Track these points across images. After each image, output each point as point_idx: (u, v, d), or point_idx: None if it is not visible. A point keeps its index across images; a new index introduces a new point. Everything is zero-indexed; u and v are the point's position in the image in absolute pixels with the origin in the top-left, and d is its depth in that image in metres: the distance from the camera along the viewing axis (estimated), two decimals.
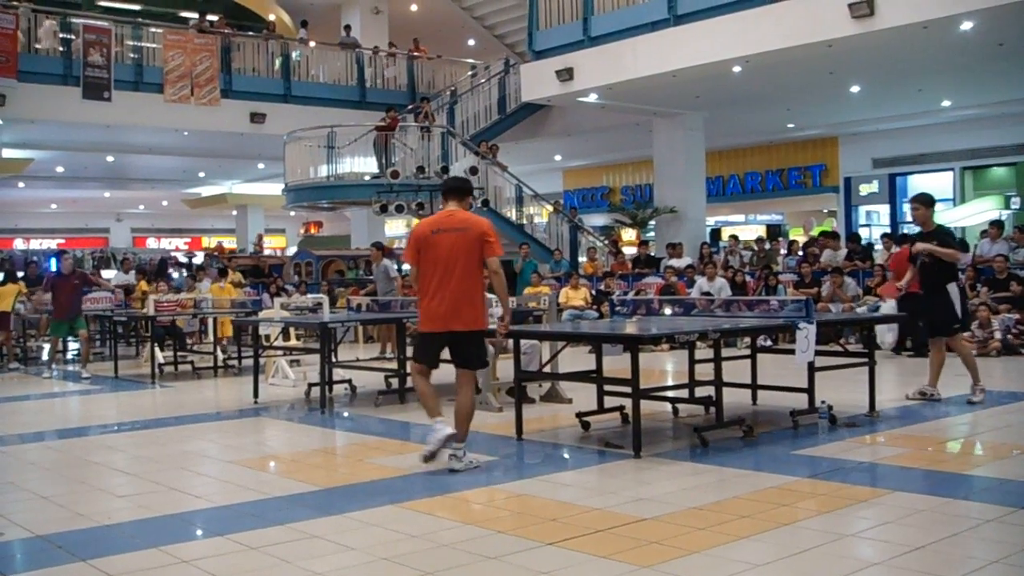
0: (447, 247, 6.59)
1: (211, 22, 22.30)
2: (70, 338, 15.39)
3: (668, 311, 9.32)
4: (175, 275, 23.23)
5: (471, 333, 6.65)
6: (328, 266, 23.05)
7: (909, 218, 23.78)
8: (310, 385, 10.79)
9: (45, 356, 16.48)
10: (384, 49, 24.27)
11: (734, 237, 21.31)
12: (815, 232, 22.41)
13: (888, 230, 22.75)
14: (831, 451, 7.02)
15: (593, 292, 17.87)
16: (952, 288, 8.95)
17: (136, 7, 28.20)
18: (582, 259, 21.12)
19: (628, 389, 7.03)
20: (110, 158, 25.85)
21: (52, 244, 37.85)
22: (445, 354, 6.87)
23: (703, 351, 10.17)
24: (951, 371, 9.54)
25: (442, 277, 6.59)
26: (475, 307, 6.62)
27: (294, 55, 23.02)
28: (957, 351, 9.12)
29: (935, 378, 9.19)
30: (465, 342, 6.67)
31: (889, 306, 13.96)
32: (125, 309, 16.72)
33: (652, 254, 21.07)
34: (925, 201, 9.24)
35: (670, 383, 11.22)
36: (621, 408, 8.22)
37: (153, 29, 21.18)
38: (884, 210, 25.00)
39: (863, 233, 22.65)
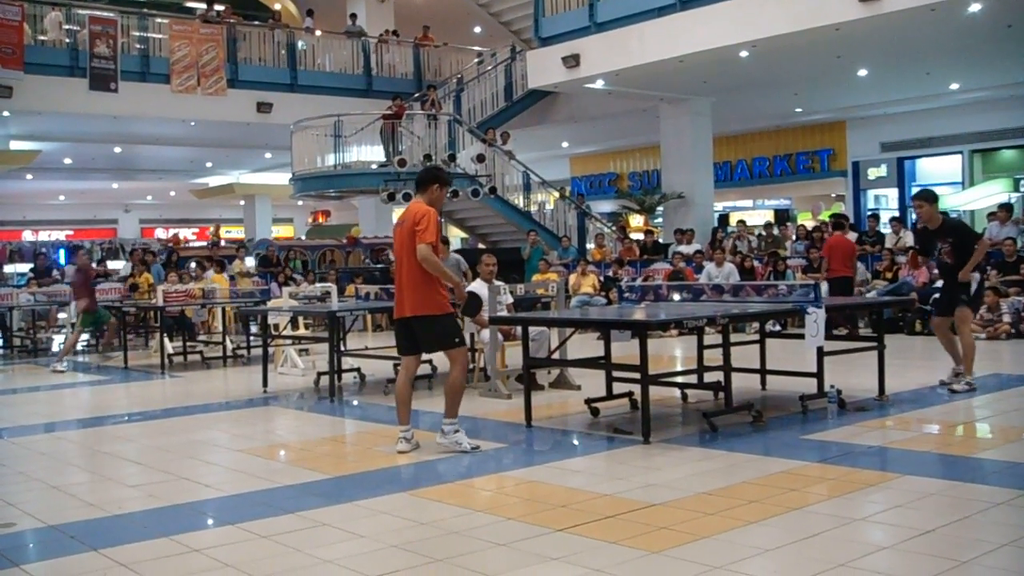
0: (397, 240, 6.94)
1: (217, 12, 22.27)
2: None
3: (676, 297, 9.31)
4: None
5: (419, 318, 6.78)
6: (289, 256, 22.75)
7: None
8: (319, 374, 10.80)
9: (56, 348, 16.59)
10: (386, 36, 24.17)
11: (742, 222, 21.27)
12: (824, 216, 22.34)
13: (897, 214, 22.68)
14: (840, 435, 7.02)
15: (601, 278, 17.86)
16: (975, 275, 8.86)
17: None
18: (590, 246, 21.10)
19: (637, 375, 7.03)
20: (117, 149, 25.88)
21: (61, 236, 37.97)
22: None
23: (712, 337, 10.15)
24: (948, 361, 9.46)
25: (397, 268, 6.95)
26: (419, 293, 6.74)
27: (300, 44, 22.99)
28: (960, 335, 8.85)
29: (956, 356, 9.12)
30: (417, 327, 6.82)
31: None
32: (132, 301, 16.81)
33: (660, 240, 21.05)
34: (928, 198, 8.96)
35: (679, 369, 11.22)
36: (630, 394, 8.22)
37: (159, 19, 21.16)
38: (893, 194, 24.94)
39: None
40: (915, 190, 24.16)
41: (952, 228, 8.97)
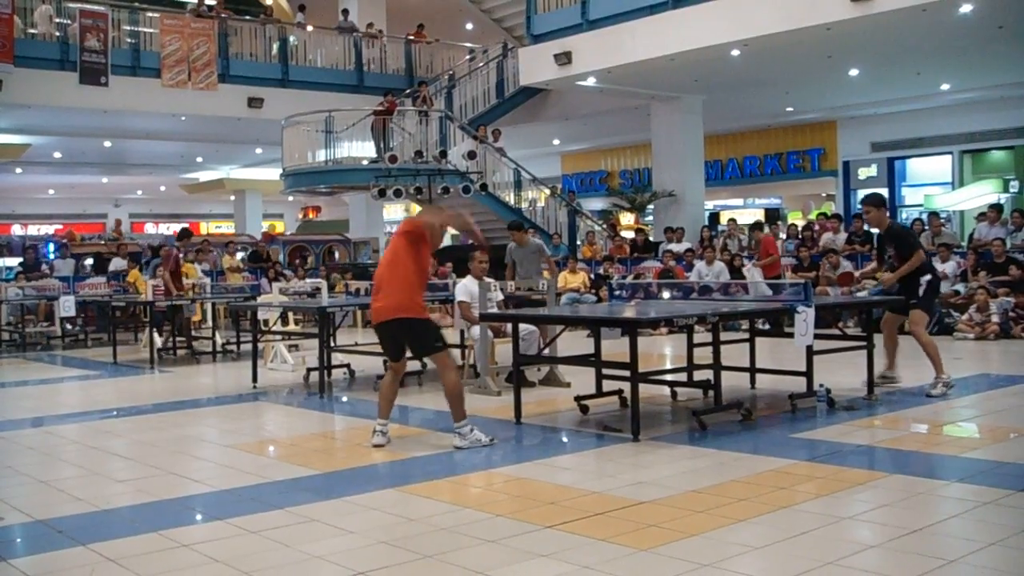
0: (390, 247, 7.17)
1: (208, 6, 22.18)
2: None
3: (666, 295, 9.32)
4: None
5: (402, 321, 6.86)
6: (199, 253, 22.19)
7: (908, 202, 23.96)
8: (309, 370, 10.79)
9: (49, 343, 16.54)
10: (372, 31, 24.10)
11: (733, 221, 21.29)
12: (813, 215, 22.40)
13: (887, 214, 22.70)
14: (829, 434, 7.04)
15: (592, 276, 17.87)
16: (924, 279, 8.72)
17: None
18: (580, 243, 21.10)
19: (627, 373, 7.04)
20: (108, 143, 25.75)
21: (50, 230, 37.81)
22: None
23: (702, 335, 10.17)
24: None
25: (382, 272, 7.06)
26: (404, 296, 6.85)
27: (292, 39, 22.90)
28: (917, 340, 8.70)
29: (893, 361, 9.10)
30: (399, 330, 6.94)
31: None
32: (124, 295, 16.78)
33: (650, 238, 21.07)
34: (875, 202, 9.06)
35: (669, 367, 11.24)
36: (620, 392, 8.22)
37: (150, 13, 21.04)
38: (883, 194, 24.94)
39: None
40: (903, 191, 24.49)
41: (893, 235, 8.93)
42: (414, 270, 6.86)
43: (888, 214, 9.20)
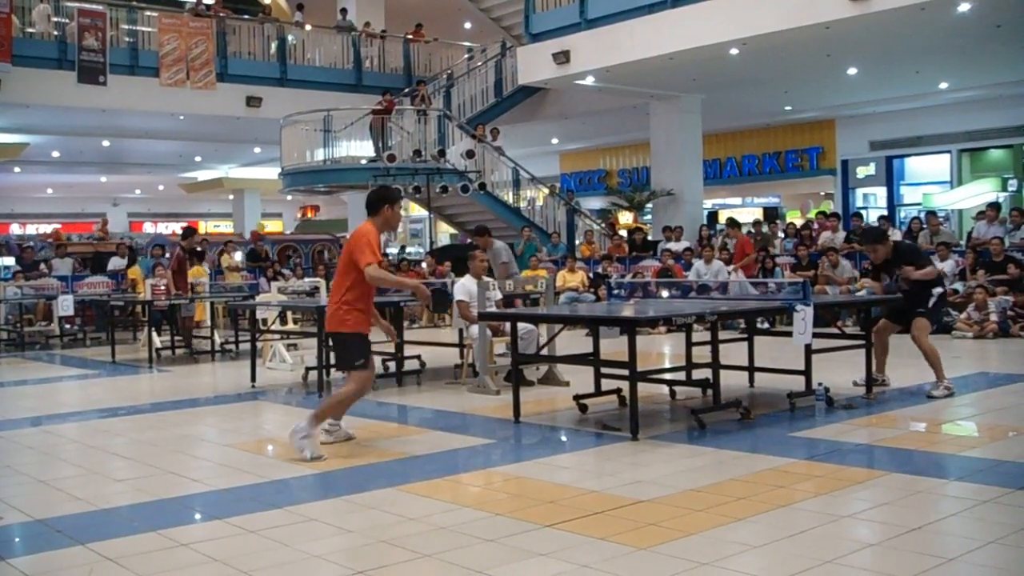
0: (340, 259, 6.99)
1: (207, 5, 22.18)
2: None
3: (665, 294, 9.32)
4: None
5: (331, 335, 7.00)
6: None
7: (907, 200, 23.97)
8: (307, 369, 10.79)
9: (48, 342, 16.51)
10: (371, 30, 24.09)
11: (732, 219, 21.29)
12: (812, 214, 22.41)
13: (885, 212, 22.76)
14: (828, 433, 7.04)
15: (590, 275, 17.88)
16: (935, 291, 8.68)
17: None
18: (579, 242, 21.12)
19: (625, 372, 7.04)
20: (106, 143, 25.77)
21: (48, 229, 37.80)
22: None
23: (700, 334, 10.17)
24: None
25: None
26: (337, 310, 6.77)
27: (290, 38, 22.92)
28: (919, 344, 8.61)
29: (882, 367, 9.08)
30: (331, 342, 7.21)
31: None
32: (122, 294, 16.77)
33: (649, 237, 21.07)
34: (877, 239, 8.97)
35: (667, 366, 11.23)
36: (618, 391, 8.22)
37: (148, 12, 21.05)
38: (881, 192, 25.01)
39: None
40: (907, 203, 24.47)
41: (906, 252, 8.92)
42: (346, 283, 6.74)
43: (891, 240, 9.15)
